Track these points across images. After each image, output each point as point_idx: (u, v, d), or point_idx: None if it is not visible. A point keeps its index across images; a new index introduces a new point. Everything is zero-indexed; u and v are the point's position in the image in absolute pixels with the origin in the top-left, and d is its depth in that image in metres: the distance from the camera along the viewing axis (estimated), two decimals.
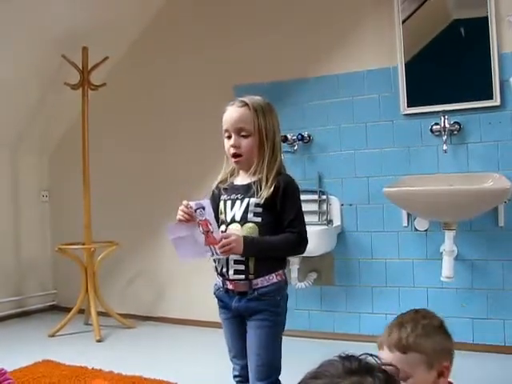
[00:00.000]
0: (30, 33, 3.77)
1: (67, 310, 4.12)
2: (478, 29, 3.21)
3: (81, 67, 4.00)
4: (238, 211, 1.89)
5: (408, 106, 3.38)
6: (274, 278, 1.88)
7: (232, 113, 1.92)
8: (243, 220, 1.88)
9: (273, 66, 3.77)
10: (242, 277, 1.86)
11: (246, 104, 1.90)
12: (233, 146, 1.91)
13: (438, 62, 3.33)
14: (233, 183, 1.98)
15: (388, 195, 3.11)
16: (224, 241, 1.79)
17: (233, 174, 2.02)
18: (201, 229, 1.84)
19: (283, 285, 1.92)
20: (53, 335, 3.87)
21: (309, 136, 3.62)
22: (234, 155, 1.92)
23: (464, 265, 3.28)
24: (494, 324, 3.21)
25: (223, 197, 1.97)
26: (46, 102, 4.38)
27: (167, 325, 4.17)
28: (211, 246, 1.83)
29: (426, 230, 3.37)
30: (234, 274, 1.87)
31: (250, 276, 1.86)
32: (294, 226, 1.87)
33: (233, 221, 1.90)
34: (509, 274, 3.20)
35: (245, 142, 1.89)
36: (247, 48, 3.89)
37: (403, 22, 3.37)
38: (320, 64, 3.65)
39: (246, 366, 1.92)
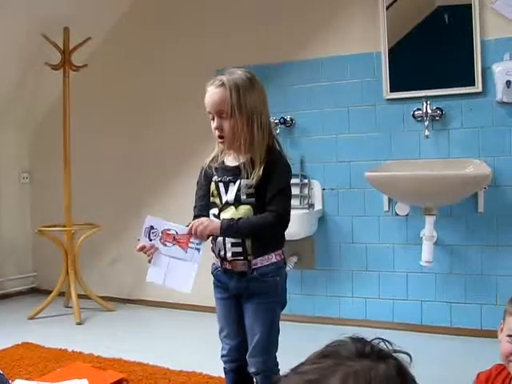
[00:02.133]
0: (11, 12, 3.70)
1: (47, 292, 4.09)
2: (462, 16, 3.21)
3: (62, 48, 3.94)
4: (231, 194, 1.87)
5: (390, 91, 3.38)
6: (273, 257, 1.89)
7: (211, 95, 1.88)
8: (237, 202, 1.86)
9: (256, 49, 3.74)
10: (241, 258, 1.86)
11: (222, 84, 1.85)
12: (215, 128, 1.88)
13: (422, 48, 3.34)
14: (223, 163, 1.95)
15: (369, 180, 3.13)
16: (196, 225, 1.80)
17: (223, 151, 1.98)
18: (168, 244, 1.83)
19: (282, 264, 1.93)
20: (32, 318, 3.85)
21: (291, 120, 3.61)
22: (219, 137, 1.90)
23: (443, 250, 3.32)
24: (472, 308, 3.26)
25: (215, 178, 1.94)
26: (26, 82, 4.32)
27: (147, 307, 4.17)
28: (189, 243, 1.83)
29: (406, 215, 3.40)
30: (232, 256, 1.87)
31: (249, 257, 1.86)
32: (273, 204, 1.83)
33: (226, 204, 1.88)
34: (487, 259, 3.24)
35: (226, 124, 1.86)
36: (230, 32, 3.86)
37: (387, 7, 3.36)
38: (303, 48, 3.64)
39: (236, 347, 1.95)
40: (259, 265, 1.87)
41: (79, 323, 3.74)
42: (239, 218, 1.83)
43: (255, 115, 1.86)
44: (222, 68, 3.71)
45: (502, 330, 1.58)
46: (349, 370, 0.76)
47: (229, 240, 1.86)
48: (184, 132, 4.03)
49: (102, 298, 4.13)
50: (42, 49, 3.97)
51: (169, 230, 1.80)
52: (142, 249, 1.88)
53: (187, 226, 1.88)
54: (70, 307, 3.94)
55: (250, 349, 1.89)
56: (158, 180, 4.18)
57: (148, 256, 1.89)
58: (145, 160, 4.23)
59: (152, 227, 1.82)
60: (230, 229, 1.82)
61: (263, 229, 1.85)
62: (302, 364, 0.81)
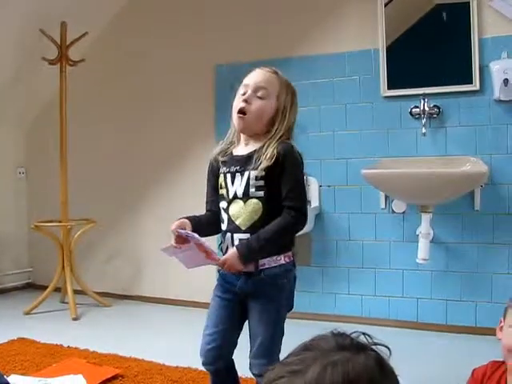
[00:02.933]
0: (8, 7, 3.68)
1: (43, 287, 4.08)
2: (460, 14, 3.22)
3: (59, 42, 3.93)
4: (239, 187, 1.81)
5: (388, 89, 3.39)
6: (281, 259, 1.82)
7: (258, 73, 1.85)
8: (245, 196, 1.79)
9: (254, 46, 3.74)
10: (243, 267, 1.79)
11: (276, 72, 1.85)
12: (244, 99, 1.81)
13: (419, 46, 3.34)
14: (232, 154, 1.89)
15: (366, 177, 3.13)
16: (225, 267, 1.77)
17: (232, 143, 1.92)
18: (197, 249, 1.79)
19: (291, 267, 1.86)
20: (28, 313, 3.84)
21: None
22: (240, 111, 1.81)
23: (439, 247, 3.32)
24: (467, 306, 3.26)
25: (222, 169, 1.87)
26: (22, 77, 4.30)
27: (143, 303, 4.17)
28: (212, 262, 1.81)
29: (403, 213, 3.40)
30: None
31: None
32: (290, 200, 1.77)
33: (235, 197, 1.82)
34: (483, 257, 3.24)
35: (258, 102, 1.81)
36: (228, 28, 3.86)
37: (386, 5, 3.37)
38: (302, 44, 3.64)
39: (215, 348, 1.85)
40: (267, 266, 1.80)
41: (75, 319, 3.73)
42: (253, 241, 1.76)
43: (285, 116, 1.84)
44: (220, 63, 3.75)
45: (501, 328, 1.59)
46: (328, 360, 0.80)
47: (237, 236, 1.80)
48: (182, 127, 4.03)
49: (98, 293, 4.12)
50: (39, 43, 3.96)
51: (205, 247, 1.77)
52: (179, 236, 1.78)
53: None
54: (66, 303, 3.93)
55: (252, 350, 1.83)
56: (154, 175, 4.17)
57: (175, 242, 1.80)
58: (142, 155, 4.22)
59: (187, 235, 1.77)
60: (250, 255, 1.77)
61: (286, 231, 1.80)
62: (287, 356, 0.86)
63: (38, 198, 4.69)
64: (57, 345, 3.10)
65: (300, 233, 3.45)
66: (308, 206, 3.53)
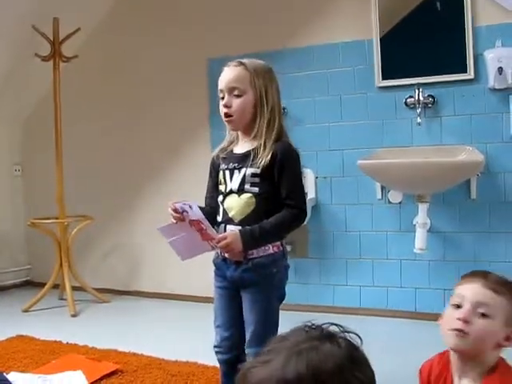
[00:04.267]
0: None
1: (41, 285, 4.08)
2: (454, 3, 3.21)
3: (52, 39, 3.91)
4: (235, 181, 1.86)
5: (383, 79, 3.38)
6: (270, 248, 1.85)
7: (226, 72, 1.88)
8: (240, 191, 1.85)
9: (247, 38, 3.73)
10: (240, 256, 1.83)
11: (242, 64, 1.86)
12: (224, 105, 1.86)
13: (413, 35, 3.33)
14: (232, 151, 1.94)
15: (362, 168, 3.13)
16: (222, 243, 1.77)
17: (233, 142, 1.97)
18: (193, 228, 1.82)
19: (280, 256, 1.89)
20: (27, 310, 3.84)
21: (283, 108, 3.56)
22: (226, 115, 1.87)
23: (437, 237, 3.33)
24: None
25: (222, 166, 1.93)
26: (16, 73, 4.28)
27: (142, 299, 4.17)
28: (209, 241, 1.82)
29: (399, 203, 3.40)
30: None
31: None
32: (292, 199, 1.83)
33: (231, 191, 1.87)
34: (480, 246, 3.25)
35: (237, 102, 1.84)
36: (221, 20, 3.84)
37: None
38: (295, 36, 3.63)
39: (228, 338, 1.92)
40: (255, 255, 1.84)
41: (74, 315, 3.73)
42: (256, 228, 1.80)
43: (269, 100, 1.85)
44: (213, 56, 3.73)
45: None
46: (294, 350, 0.87)
47: (229, 228, 1.85)
48: (177, 123, 4.02)
49: (97, 289, 4.12)
50: (32, 40, 3.94)
51: (201, 222, 1.79)
52: (175, 210, 1.82)
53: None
54: (65, 299, 3.93)
55: (247, 340, 1.87)
56: (151, 172, 4.16)
57: (173, 218, 1.84)
58: (137, 151, 4.21)
59: (186, 212, 1.79)
60: (251, 242, 1.80)
61: (288, 226, 1.85)
62: (264, 348, 0.92)
63: (34, 195, 4.68)
64: (56, 341, 3.10)
65: None
66: None
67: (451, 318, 1.45)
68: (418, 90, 3.20)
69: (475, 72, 3.18)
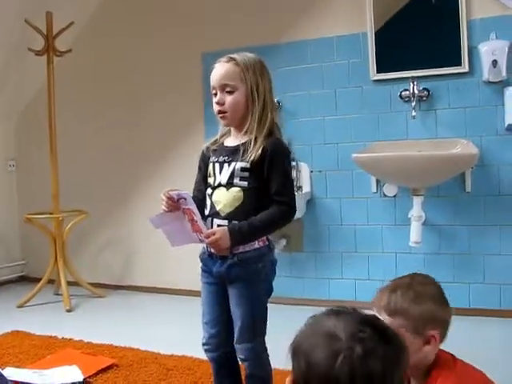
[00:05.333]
0: None
1: (36, 280, 4.07)
2: None
3: (45, 33, 3.89)
4: (224, 175, 1.85)
5: (377, 72, 3.38)
6: (255, 243, 1.84)
7: (217, 69, 1.87)
8: (229, 184, 1.84)
9: (242, 31, 3.71)
10: (227, 251, 1.82)
11: (232, 59, 1.85)
12: (217, 102, 1.86)
13: (408, 28, 3.33)
14: (223, 144, 1.93)
15: (357, 161, 3.13)
16: (211, 238, 1.77)
17: (225, 134, 1.96)
18: (186, 217, 1.82)
19: (266, 251, 1.88)
20: (22, 306, 3.84)
21: (278, 102, 3.59)
22: (219, 112, 1.87)
23: (431, 230, 3.33)
24: (460, 287, 3.28)
25: (212, 158, 1.92)
26: (9, 68, 4.26)
27: (137, 293, 4.16)
28: (198, 234, 1.82)
29: (394, 196, 3.40)
30: None
31: None
32: (282, 195, 1.81)
33: (219, 185, 1.86)
34: (475, 238, 3.26)
35: (229, 99, 1.84)
36: (215, 14, 3.83)
37: None
38: (290, 30, 3.62)
39: (216, 335, 1.91)
40: (241, 250, 1.83)
41: (69, 310, 3.73)
42: (245, 225, 1.79)
43: (260, 94, 1.84)
44: (207, 50, 3.72)
45: None
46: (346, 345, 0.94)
47: (216, 222, 1.84)
48: (171, 118, 4.01)
49: (92, 284, 4.12)
50: (25, 34, 3.92)
51: (194, 213, 1.79)
52: (170, 198, 1.81)
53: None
54: (60, 294, 3.93)
55: (235, 336, 1.87)
56: (145, 166, 4.15)
57: (166, 207, 1.84)
58: (132, 146, 4.20)
59: (185, 199, 1.79)
60: (239, 239, 1.79)
61: (276, 223, 1.85)
62: None
63: (28, 190, 4.67)
64: (51, 336, 3.10)
65: None
66: (299, 192, 3.56)
67: None
68: (413, 83, 3.20)
69: (470, 65, 3.18)
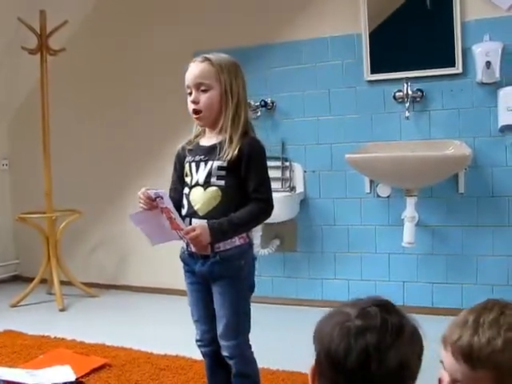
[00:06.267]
0: None
1: (29, 279, 4.05)
2: None
3: (39, 31, 3.88)
4: (201, 174, 1.86)
5: (371, 73, 3.38)
6: (236, 240, 1.86)
7: (192, 68, 1.88)
8: (206, 184, 1.85)
9: (235, 31, 3.71)
10: (208, 249, 1.83)
11: (207, 59, 1.86)
12: (192, 101, 1.87)
13: (402, 29, 3.33)
14: (198, 144, 1.95)
15: (350, 162, 3.13)
16: (191, 234, 1.77)
17: (199, 135, 1.98)
18: (164, 215, 1.83)
19: (247, 248, 1.90)
20: (15, 305, 3.82)
21: (272, 102, 3.60)
22: (194, 111, 1.88)
23: (425, 231, 3.34)
24: (453, 288, 3.29)
25: (188, 158, 1.93)
26: (2, 67, 4.24)
27: (130, 293, 4.16)
28: (177, 231, 1.83)
29: (388, 197, 3.41)
30: None
31: None
32: (260, 193, 1.84)
33: (196, 184, 1.87)
34: (468, 239, 3.26)
35: (204, 97, 1.85)
36: (208, 14, 3.82)
37: None
38: (284, 30, 3.62)
39: (208, 330, 1.93)
40: (222, 248, 1.84)
41: (62, 310, 3.72)
42: (225, 221, 1.81)
43: (234, 94, 1.86)
44: (200, 50, 3.70)
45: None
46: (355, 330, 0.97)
47: (194, 221, 1.84)
48: (163, 116, 4.00)
49: (85, 284, 4.11)
50: (18, 32, 3.91)
51: (171, 211, 1.79)
52: (148, 197, 1.82)
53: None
54: (53, 294, 3.92)
55: (219, 333, 1.89)
56: (139, 165, 4.14)
57: (143, 205, 1.85)
58: (125, 145, 4.19)
59: (162, 198, 1.80)
60: (219, 235, 1.81)
61: (255, 219, 1.87)
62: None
63: (22, 189, 4.65)
64: (44, 336, 3.10)
65: (285, 219, 3.49)
66: (293, 192, 3.56)
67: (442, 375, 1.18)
68: (407, 84, 3.20)
69: (463, 66, 3.19)
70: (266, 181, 1.89)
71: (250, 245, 1.93)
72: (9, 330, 3.22)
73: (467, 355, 1.10)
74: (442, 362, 1.19)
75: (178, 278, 3.86)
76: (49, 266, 3.95)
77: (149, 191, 1.83)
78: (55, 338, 3.07)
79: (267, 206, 1.87)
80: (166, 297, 3.96)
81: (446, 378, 1.16)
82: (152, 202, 1.83)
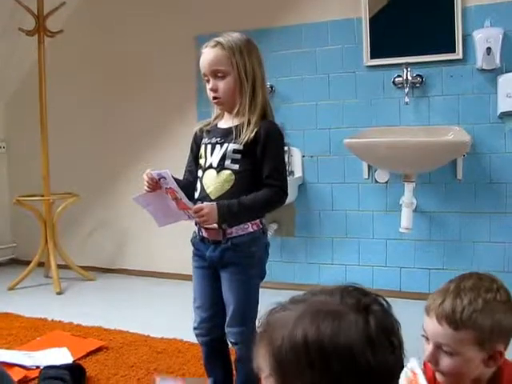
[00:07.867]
0: None
1: (27, 263, 4.05)
2: None
3: (36, 13, 3.84)
4: (216, 156, 1.84)
5: (371, 58, 3.36)
6: (249, 227, 1.84)
7: (206, 56, 1.85)
8: (220, 167, 1.82)
9: (235, 15, 3.68)
10: (216, 225, 1.81)
11: (218, 43, 1.82)
12: (210, 89, 1.85)
13: (403, 15, 3.31)
14: (216, 125, 1.92)
15: (349, 146, 3.12)
16: (198, 213, 1.75)
17: (218, 116, 1.95)
18: (169, 196, 1.81)
19: (259, 235, 1.87)
20: (12, 288, 3.82)
21: (271, 87, 3.57)
22: (214, 98, 1.86)
23: (422, 217, 3.34)
24: (450, 274, 3.24)
25: (204, 140, 1.91)
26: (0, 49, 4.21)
27: (127, 277, 4.16)
28: (185, 211, 1.80)
29: (386, 182, 3.41)
30: None
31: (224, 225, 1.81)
32: (274, 179, 1.80)
33: (210, 167, 1.85)
34: (465, 225, 3.27)
35: (222, 84, 1.82)
36: None
37: None
38: (284, 14, 3.59)
39: (208, 319, 1.91)
40: (234, 234, 1.82)
41: (59, 293, 3.72)
42: (235, 203, 1.77)
43: (249, 75, 1.82)
44: (200, 34, 3.69)
45: None
46: (314, 309, 0.88)
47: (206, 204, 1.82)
48: (163, 101, 3.98)
49: (82, 267, 4.11)
50: (15, 14, 3.87)
51: (176, 191, 1.78)
52: (151, 178, 1.80)
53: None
54: (50, 277, 3.92)
55: (227, 319, 1.87)
56: (137, 149, 4.13)
57: (148, 187, 1.83)
58: (124, 128, 4.17)
59: (165, 178, 1.78)
60: (228, 216, 1.78)
61: (268, 205, 1.83)
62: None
63: (19, 172, 4.63)
64: (41, 319, 3.10)
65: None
66: (291, 177, 3.55)
67: (425, 350, 1.32)
68: (407, 69, 3.19)
69: (463, 52, 3.17)
70: (281, 166, 1.85)
71: (264, 231, 1.90)
72: (6, 312, 3.22)
73: (451, 317, 1.24)
74: (424, 335, 1.31)
75: (175, 261, 3.90)
76: (46, 250, 3.95)
77: (152, 172, 1.81)
78: (52, 320, 3.07)
79: (281, 193, 1.82)
80: (163, 280, 3.97)
81: (429, 348, 1.27)
82: (155, 184, 1.81)
